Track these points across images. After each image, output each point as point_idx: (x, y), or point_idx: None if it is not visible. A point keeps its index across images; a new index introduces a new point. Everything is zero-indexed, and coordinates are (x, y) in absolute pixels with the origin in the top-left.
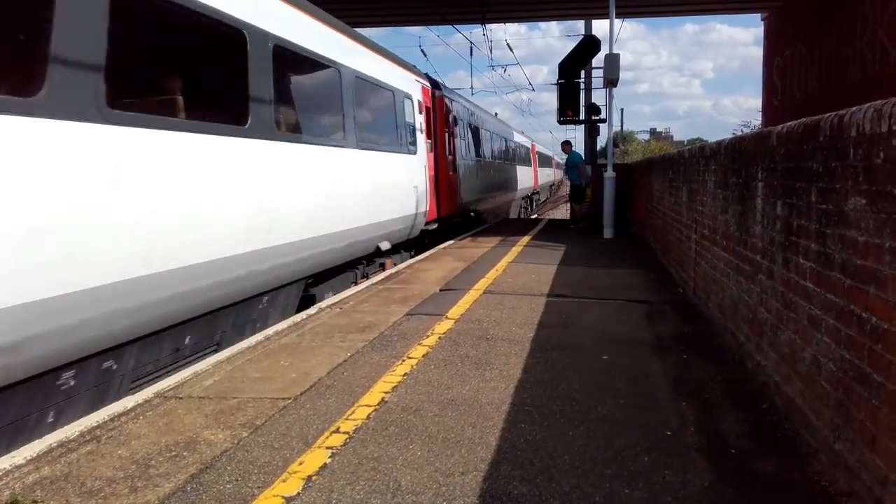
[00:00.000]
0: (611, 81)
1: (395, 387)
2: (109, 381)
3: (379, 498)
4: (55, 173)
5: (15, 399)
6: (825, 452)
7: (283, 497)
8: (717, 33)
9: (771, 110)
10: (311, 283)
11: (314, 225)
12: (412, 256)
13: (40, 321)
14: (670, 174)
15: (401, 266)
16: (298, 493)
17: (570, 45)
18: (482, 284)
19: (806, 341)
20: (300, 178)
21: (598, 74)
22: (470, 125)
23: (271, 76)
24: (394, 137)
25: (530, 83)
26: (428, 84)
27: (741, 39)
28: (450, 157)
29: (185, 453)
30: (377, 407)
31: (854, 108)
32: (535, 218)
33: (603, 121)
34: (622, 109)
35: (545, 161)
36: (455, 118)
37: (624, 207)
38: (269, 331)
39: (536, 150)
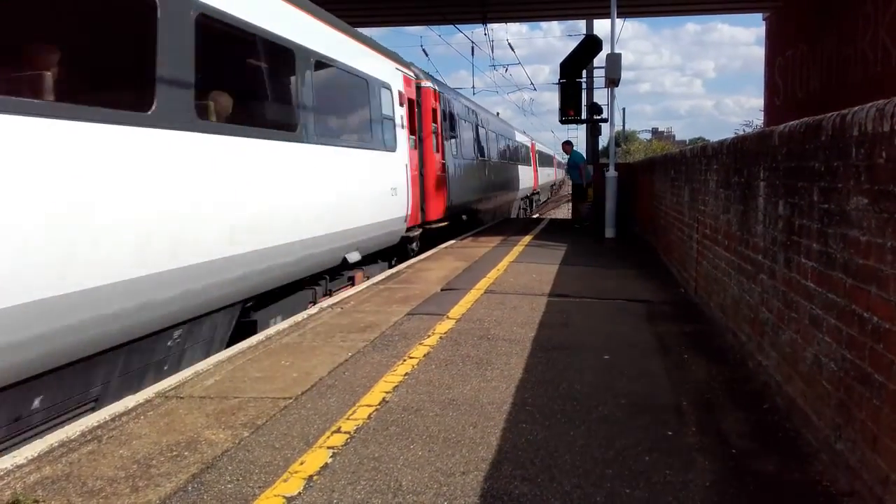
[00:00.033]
0: (612, 81)
1: (397, 386)
2: None
3: (380, 498)
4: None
5: None
6: (826, 452)
7: (285, 497)
8: (719, 33)
9: (773, 110)
10: (252, 306)
11: (250, 237)
12: (391, 266)
13: None
14: (672, 174)
15: (402, 266)
16: (299, 493)
17: (572, 45)
18: (483, 284)
19: (807, 341)
20: (230, 179)
21: (599, 74)
22: (463, 121)
23: (192, 52)
24: (366, 132)
25: (532, 83)
26: (412, 74)
27: (743, 39)
28: (438, 156)
29: (186, 453)
30: (378, 407)
31: (856, 108)
32: (537, 217)
33: (605, 120)
34: (624, 109)
35: (546, 160)
36: (445, 113)
37: (626, 207)
38: (271, 330)
39: (537, 148)
